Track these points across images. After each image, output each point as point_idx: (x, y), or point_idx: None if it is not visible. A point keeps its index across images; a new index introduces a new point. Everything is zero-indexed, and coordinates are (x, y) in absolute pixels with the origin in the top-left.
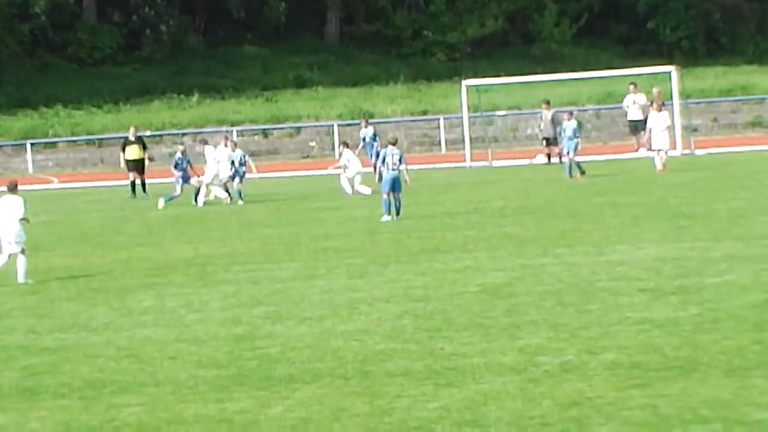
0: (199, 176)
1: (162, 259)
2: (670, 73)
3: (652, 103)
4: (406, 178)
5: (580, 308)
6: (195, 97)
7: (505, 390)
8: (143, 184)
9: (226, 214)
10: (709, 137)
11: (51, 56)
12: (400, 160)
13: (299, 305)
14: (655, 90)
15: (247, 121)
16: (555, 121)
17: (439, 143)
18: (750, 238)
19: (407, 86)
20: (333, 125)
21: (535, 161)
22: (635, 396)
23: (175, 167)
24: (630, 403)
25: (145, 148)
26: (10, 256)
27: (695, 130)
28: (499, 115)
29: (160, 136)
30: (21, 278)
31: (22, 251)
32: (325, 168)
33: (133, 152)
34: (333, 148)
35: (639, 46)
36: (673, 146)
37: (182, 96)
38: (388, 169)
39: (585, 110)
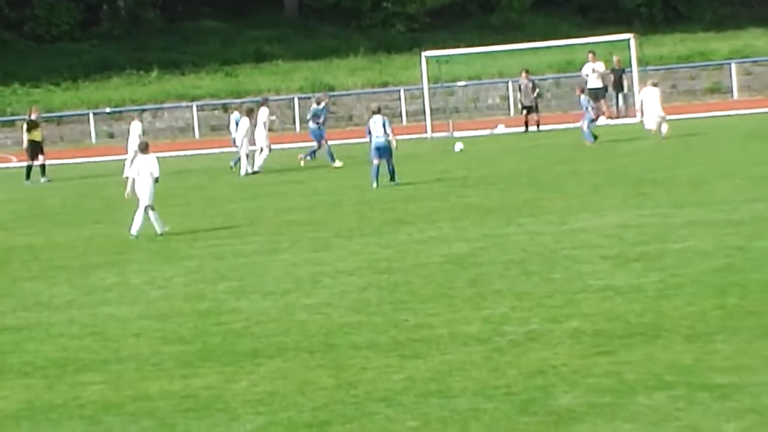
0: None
1: (125, 236)
2: (628, 41)
3: (612, 70)
4: (393, 143)
5: (544, 277)
6: (154, 73)
7: (470, 360)
8: (43, 167)
9: (188, 189)
10: (669, 104)
11: (8, 33)
12: (384, 127)
13: (263, 279)
14: (615, 58)
15: (207, 95)
16: (535, 89)
17: (400, 115)
18: (711, 204)
19: (367, 58)
20: (294, 99)
21: (496, 131)
22: (599, 363)
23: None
24: (594, 370)
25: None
26: None
27: None
28: (459, 86)
29: (120, 112)
30: (159, 229)
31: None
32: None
33: (37, 134)
34: (294, 122)
35: (597, 14)
36: (633, 113)
37: (141, 72)
38: (373, 137)
39: (545, 79)
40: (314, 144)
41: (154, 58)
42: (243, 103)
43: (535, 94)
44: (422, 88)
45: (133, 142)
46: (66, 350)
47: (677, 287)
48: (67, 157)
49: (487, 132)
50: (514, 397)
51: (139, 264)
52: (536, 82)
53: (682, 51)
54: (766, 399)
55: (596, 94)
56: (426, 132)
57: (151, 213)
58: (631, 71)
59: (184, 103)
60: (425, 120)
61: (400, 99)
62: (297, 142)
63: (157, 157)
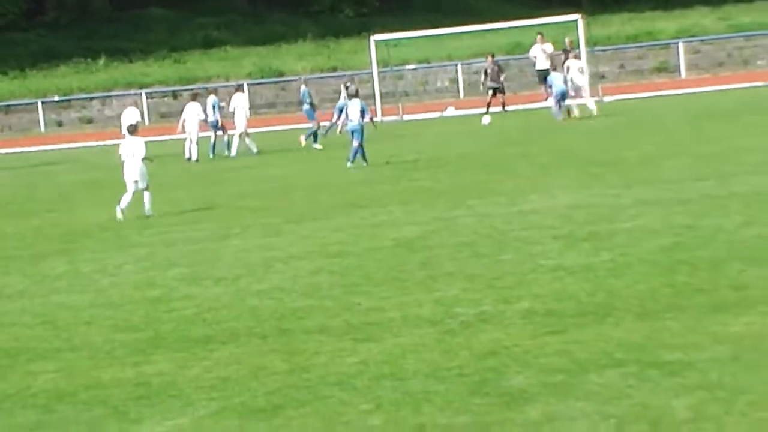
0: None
1: (75, 224)
2: (576, 21)
3: (563, 51)
4: (369, 120)
5: (495, 258)
6: (102, 61)
7: (423, 342)
8: None
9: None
10: (617, 84)
11: None
12: (362, 112)
13: (215, 266)
14: (567, 39)
15: (156, 83)
16: (502, 73)
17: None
18: (659, 183)
19: (316, 43)
20: (243, 84)
21: (446, 114)
22: (551, 343)
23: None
24: (546, 350)
25: None
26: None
27: (603, 77)
28: (408, 69)
29: (69, 101)
30: (147, 210)
31: (147, 188)
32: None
33: None
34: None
35: None
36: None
37: (89, 60)
38: (348, 120)
39: (497, 61)
40: (312, 124)
41: (102, 47)
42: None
43: (502, 78)
44: (371, 72)
45: (191, 123)
46: (18, 340)
47: (627, 266)
48: (16, 146)
49: (436, 115)
50: (467, 378)
51: (89, 252)
52: (501, 64)
53: (629, 31)
54: (714, 375)
55: (544, 76)
56: (376, 116)
57: (144, 193)
58: (579, 52)
59: (132, 91)
60: (375, 104)
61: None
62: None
63: (146, 141)
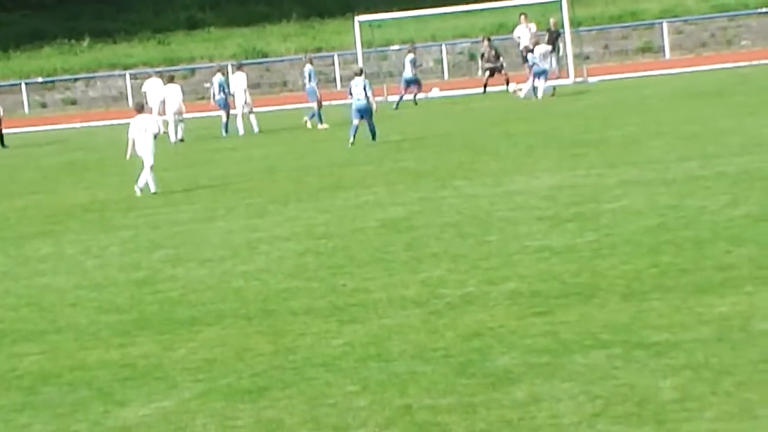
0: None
1: (59, 205)
2: (560, 2)
3: (547, 31)
4: (374, 105)
5: (480, 239)
6: (86, 42)
7: (408, 323)
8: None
9: (122, 158)
10: (601, 64)
11: None
12: (365, 89)
13: (199, 247)
14: (551, 20)
15: (140, 64)
16: (499, 56)
17: (335, 80)
18: (644, 163)
19: (300, 24)
20: (227, 65)
21: (430, 95)
22: (536, 324)
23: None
24: (531, 330)
25: None
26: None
27: (587, 57)
28: (392, 50)
29: (53, 82)
30: (152, 188)
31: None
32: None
33: None
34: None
35: None
36: (565, 75)
37: (73, 41)
38: (354, 99)
39: (478, 41)
40: (314, 104)
41: (85, 27)
42: (177, 70)
43: (500, 62)
44: (356, 53)
45: (154, 100)
46: (2, 321)
47: (612, 247)
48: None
49: (421, 96)
50: (452, 359)
51: (74, 234)
52: (496, 46)
53: (613, 11)
54: (700, 355)
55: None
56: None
57: (149, 172)
58: (563, 32)
59: (116, 72)
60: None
61: (333, 64)
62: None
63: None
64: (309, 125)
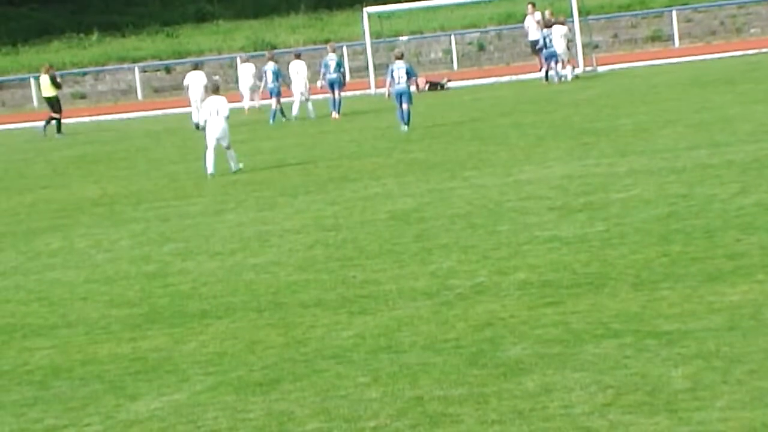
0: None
1: (68, 200)
2: None
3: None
4: (414, 87)
5: (490, 230)
6: (95, 36)
7: (419, 315)
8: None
9: (132, 152)
10: (611, 53)
11: None
12: (408, 74)
13: (209, 240)
14: (547, 11)
15: (149, 57)
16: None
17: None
18: (653, 152)
19: (308, 16)
20: (236, 58)
21: (443, 81)
22: (547, 314)
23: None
24: (542, 320)
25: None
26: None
27: (596, 46)
28: (401, 41)
29: (61, 76)
30: (233, 167)
31: (229, 146)
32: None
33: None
34: (236, 81)
35: None
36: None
37: (82, 35)
38: (394, 82)
39: (487, 31)
40: (334, 95)
41: (94, 21)
42: (185, 63)
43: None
44: (365, 44)
45: (196, 91)
46: (13, 316)
47: (622, 236)
48: (10, 122)
49: (436, 85)
50: (463, 350)
51: (84, 228)
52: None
53: (622, 0)
54: (711, 344)
55: (536, 46)
56: (370, 88)
57: (228, 152)
58: (572, 21)
59: (125, 65)
60: (368, 76)
61: (343, 56)
62: (238, 101)
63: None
64: (337, 117)
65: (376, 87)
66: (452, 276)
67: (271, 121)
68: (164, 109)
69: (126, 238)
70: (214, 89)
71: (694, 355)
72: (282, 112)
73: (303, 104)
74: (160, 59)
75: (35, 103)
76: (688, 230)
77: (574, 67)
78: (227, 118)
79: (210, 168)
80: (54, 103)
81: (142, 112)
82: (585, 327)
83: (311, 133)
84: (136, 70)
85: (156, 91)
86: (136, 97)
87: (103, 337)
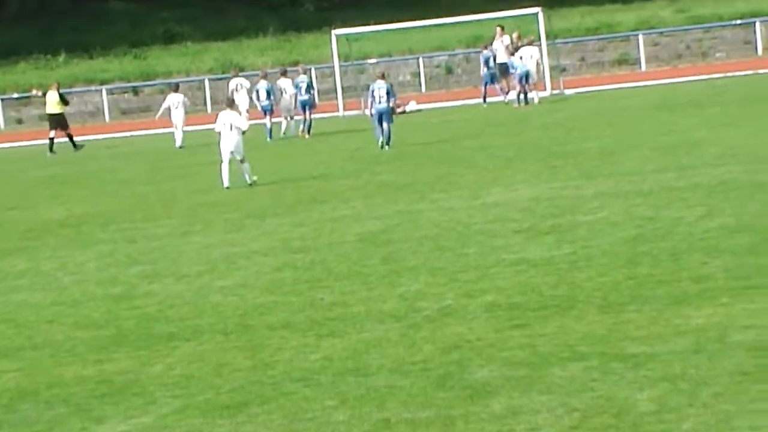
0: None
1: (35, 221)
2: (537, 14)
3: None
4: (394, 105)
5: (458, 252)
6: (62, 57)
7: (387, 337)
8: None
9: (100, 172)
10: (578, 76)
11: None
12: (387, 93)
13: (177, 262)
14: (514, 34)
15: (117, 78)
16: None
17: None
18: (620, 175)
19: (277, 38)
20: (204, 80)
21: (408, 108)
22: (514, 336)
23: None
24: (509, 343)
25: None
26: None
27: (564, 70)
28: (370, 63)
29: (28, 97)
30: (248, 180)
31: (243, 159)
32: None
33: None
34: (205, 103)
35: None
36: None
37: (49, 56)
38: (375, 102)
39: (455, 54)
40: (304, 116)
41: (61, 42)
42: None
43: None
44: (333, 67)
45: (177, 113)
46: None
47: (589, 259)
48: None
49: (398, 110)
50: (431, 372)
51: (50, 250)
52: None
53: (589, 23)
54: (677, 367)
55: (505, 69)
56: (338, 110)
57: (242, 165)
58: (540, 45)
59: (93, 87)
60: (337, 98)
61: (311, 78)
62: (208, 123)
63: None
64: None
65: (345, 109)
66: (420, 298)
67: (268, 138)
68: (132, 131)
69: (93, 260)
70: (228, 104)
71: (660, 377)
72: (270, 132)
73: (289, 122)
74: (128, 81)
75: (2, 124)
76: (654, 253)
77: (538, 91)
78: (243, 132)
79: (226, 181)
80: (60, 120)
81: (109, 133)
82: (552, 350)
83: (280, 154)
84: (104, 91)
85: (123, 112)
86: (104, 119)
87: (69, 359)
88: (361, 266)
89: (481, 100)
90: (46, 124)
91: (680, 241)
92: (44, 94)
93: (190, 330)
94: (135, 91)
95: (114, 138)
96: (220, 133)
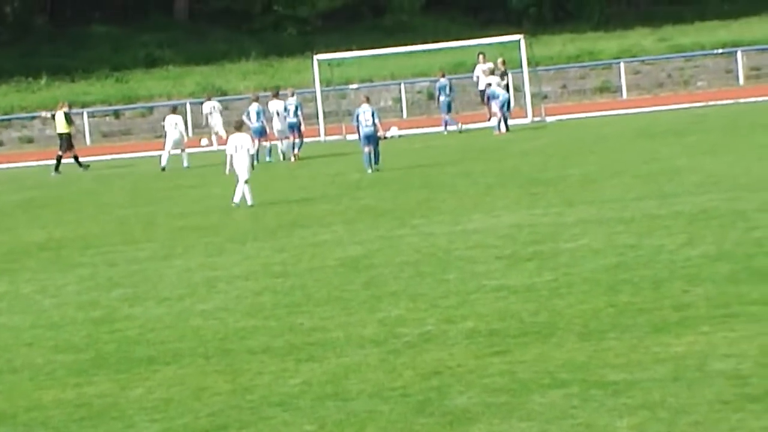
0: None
1: (15, 243)
2: (518, 41)
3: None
4: (380, 132)
5: (438, 278)
6: (44, 80)
7: (366, 362)
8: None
9: (80, 195)
10: (559, 104)
11: None
12: (373, 116)
13: (157, 286)
14: (499, 60)
15: (98, 102)
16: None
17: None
18: (601, 202)
19: (259, 62)
20: (185, 103)
21: (388, 134)
22: (494, 363)
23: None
24: (489, 370)
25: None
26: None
27: (545, 97)
28: (351, 89)
29: (9, 120)
30: (249, 201)
31: (248, 181)
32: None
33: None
34: (186, 126)
35: (488, 14)
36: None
37: (30, 79)
38: (362, 125)
39: (437, 81)
40: (294, 139)
41: (43, 65)
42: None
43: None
44: (315, 92)
45: (171, 134)
46: None
47: (570, 286)
48: None
49: (379, 134)
50: (410, 398)
51: (30, 272)
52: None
53: (571, 51)
54: (657, 395)
55: (486, 95)
56: (319, 135)
57: (245, 186)
58: (521, 72)
59: (74, 110)
60: (318, 123)
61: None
62: (190, 147)
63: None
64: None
65: (326, 134)
66: (400, 324)
67: (267, 158)
68: (113, 154)
69: (73, 283)
70: (237, 126)
71: (639, 405)
72: (270, 152)
73: (280, 145)
74: (110, 104)
75: None
76: (635, 281)
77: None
78: (252, 153)
79: (236, 198)
80: (67, 140)
81: (90, 156)
82: (532, 376)
83: (261, 178)
84: (85, 114)
85: (104, 136)
86: (85, 142)
87: (49, 382)
88: (341, 291)
89: (443, 128)
90: (27, 147)
91: (661, 269)
92: (53, 116)
93: (170, 353)
94: (116, 114)
95: (95, 161)
96: (230, 156)
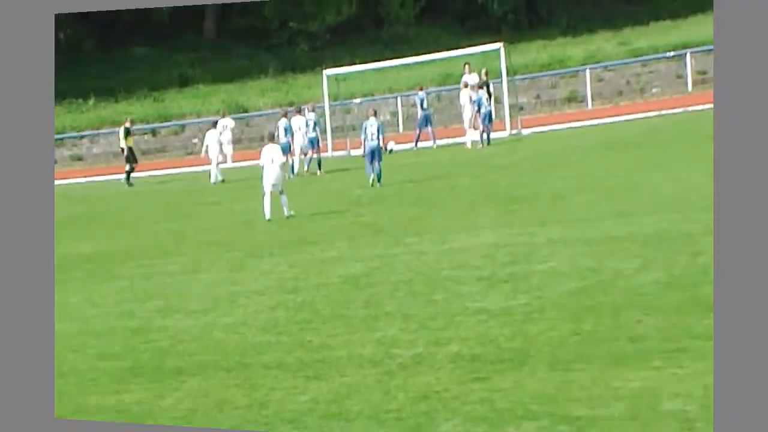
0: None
1: (65, 256)
2: (499, 50)
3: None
4: (384, 146)
5: (428, 298)
6: (92, 101)
7: (365, 383)
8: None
9: (120, 210)
10: (534, 115)
11: None
12: (378, 131)
13: (186, 299)
14: (483, 70)
15: (138, 121)
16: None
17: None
18: (569, 222)
19: (275, 79)
20: (216, 121)
21: (389, 147)
22: (475, 390)
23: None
24: (471, 397)
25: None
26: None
27: (521, 108)
28: (355, 103)
29: (62, 139)
30: (286, 212)
31: (283, 191)
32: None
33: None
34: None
35: (473, 22)
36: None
37: (80, 100)
38: (367, 139)
39: (428, 93)
40: (314, 153)
41: (91, 86)
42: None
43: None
44: (323, 107)
45: (213, 149)
46: None
47: (541, 311)
48: None
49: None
50: (403, 422)
51: (77, 283)
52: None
53: (543, 58)
54: None
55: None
56: (327, 151)
57: (281, 197)
58: (500, 82)
59: (117, 129)
60: (327, 138)
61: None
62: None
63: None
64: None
65: (333, 149)
66: (395, 344)
67: (291, 175)
68: (149, 170)
69: (113, 293)
70: (270, 138)
71: None
72: (317, 162)
73: (302, 159)
74: (147, 122)
75: None
76: (597, 307)
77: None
78: (282, 165)
79: (267, 214)
80: (130, 152)
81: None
82: (508, 406)
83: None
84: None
85: (143, 153)
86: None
87: (92, 388)
88: (344, 309)
89: (413, 144)
90: (76, 164)
91: (619, 296)
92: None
93: (196, 365)
94: (153, 132)
95: (134, 177)
96: (263, 167)
